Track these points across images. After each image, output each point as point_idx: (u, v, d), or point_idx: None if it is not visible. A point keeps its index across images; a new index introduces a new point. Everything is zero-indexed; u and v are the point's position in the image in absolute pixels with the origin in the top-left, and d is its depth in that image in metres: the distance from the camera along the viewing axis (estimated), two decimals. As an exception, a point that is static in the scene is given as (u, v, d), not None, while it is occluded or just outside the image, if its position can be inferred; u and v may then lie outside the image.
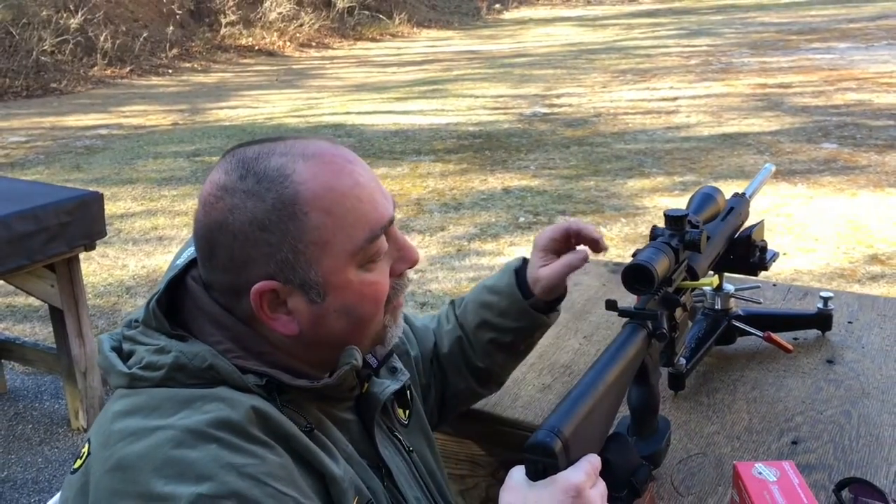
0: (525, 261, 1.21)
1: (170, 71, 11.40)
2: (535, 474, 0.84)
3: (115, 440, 0.79)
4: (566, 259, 1.15)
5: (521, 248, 4.63)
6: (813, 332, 1.50)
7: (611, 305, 1.11)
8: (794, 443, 1.19)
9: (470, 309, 1.23)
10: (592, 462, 0.86)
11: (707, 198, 1.30)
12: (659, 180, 5.77)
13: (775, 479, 1.00)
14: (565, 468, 0.84)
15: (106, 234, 2.88)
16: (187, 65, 11.80)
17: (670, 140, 6.82)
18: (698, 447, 1.19)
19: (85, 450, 0.83)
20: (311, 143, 0.90)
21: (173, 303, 0.91)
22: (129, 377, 0.85)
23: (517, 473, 0.85)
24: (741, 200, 1.44)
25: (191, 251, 0.94)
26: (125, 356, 0.88)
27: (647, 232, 5.45)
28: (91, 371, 2.92)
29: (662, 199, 5.33)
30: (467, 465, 1.34)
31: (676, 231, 1.15)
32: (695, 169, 5.97)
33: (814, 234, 4.65)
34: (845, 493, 1.06)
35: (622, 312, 1.08)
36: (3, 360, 3.33)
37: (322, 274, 0.87)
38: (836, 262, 4.28)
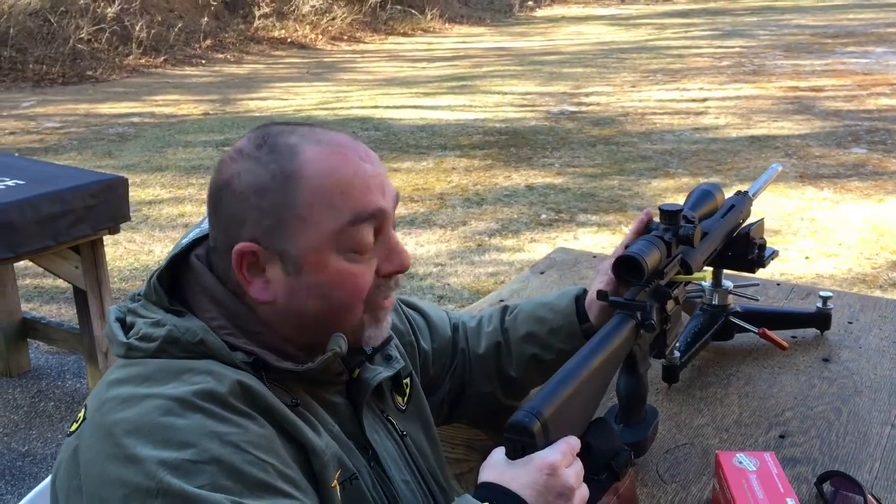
0: (585, 291, 1.24)
1: (203, 61, 11.53)
2: (514, 453, 0.88)
3: (107, 406, 0.83)
4: None
5: (541, 244, 4.65)
6: (812, 331, 1.51)
7: (602, 296, 1.14)
8: (782, 437, 1.20)
9: (520, 319, 1.25)
10: (570, 443, 0.89)
11: (705, 194, 1.32)
12: (683, 181, 5.75)
13: (754, 469, 1.03)
14: (543, 448, 0.87)
15: (130, 218, 2.95)
16: (220, 56, 11.92)
17: (697, 141, 6.79)
18: (686, 438, 1.22)
19: (81, 414, 0.87)
20: (331, 133, 0.96)
21: (178, 279, 0.95)
22: (126, 347, 0.89)
23: (498, 453, 0.89)
24: (743, 199, 1.45)
25: (197, 231, 0.99)
26: (128, 327, 0.92)
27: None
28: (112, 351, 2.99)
29: (686, 199, 5.31)
30: (463, 449, 1.37)
31: (671, 225, 1.17)
32: (720, 171, 5.94)
33: (838, 238, 4.62)
34: (826, 486, 1.08)
35: (612, 303, 1.11)
36: (28, 339, 3.42)
37: (300, 248, 0.91)
38: (859, 268, 4.25)
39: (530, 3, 18.26)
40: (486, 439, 1.38)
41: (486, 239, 4.80)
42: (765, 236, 1.43)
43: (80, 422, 0.87)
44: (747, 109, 7.86)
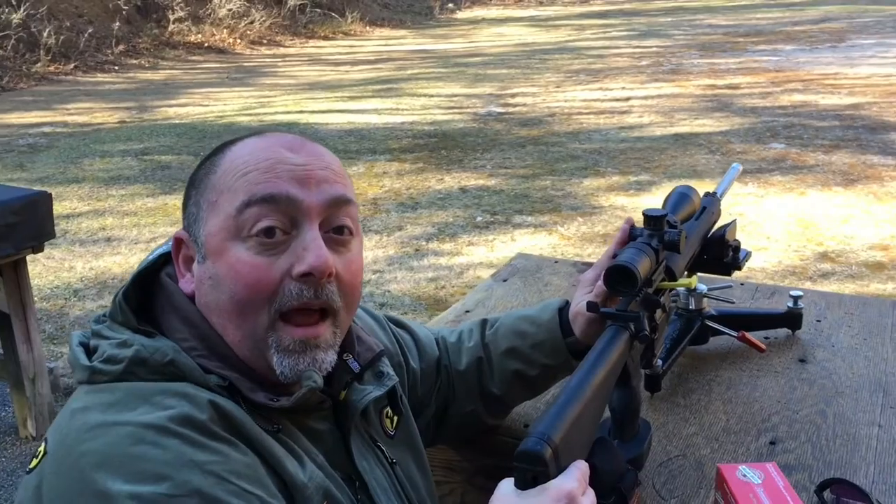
0: (567, 303, 1.18)
1: (116, 67, 11.13)
2: (525, 483, 0.81)
3: (71, 437, 0.75)
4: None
5: (480, 247, 4.62)
6: (783, 331, 1.50)
7: (592, 307, 1.09)
8: (773, 443, 1.18)
9: (502, 333, 1.19)
10: (582, 469, 0.84)
11: (683, 197, 1.28)
12: (614, 179, 5.81)
13: (760, 482, 1.00)
14: (556, 476, 0.82)
15: (55, 235, 2.78)
16: (134, 61, 11.54)
17: (624, 140, 6.88)
18: (678, 449, 1.18)
19: (41, 449, 0.78)
20: (281, 133, 0.92)
21: (146, 299, 0.88)
22: (90, 371, 0.81)
23: (506, 485, 0.82)
24: (713, 200, 1.43)
25: (163, 248, 0.92)
26: (91, 351, 0.85)
27: (605, 231, 5.44)
28: (40, 377, 2.82)
29: (618, 198, 5.37)
30: (442, 471, 1.30)
31: (655, 231, 1.13)
32: (649, 168, 6.03)
33: (766, 232, 4.73)
34: (827, 494, 1.05)
35: (604, 314, 1.06)
36: (-56, 367, 3.19)
37: (206, 234, 0.86)
38: (788, 260, 4.36)
39: (450, 5, 18.30)
40: (465, 461, 1.33)
41: (424, 244, 4.74)
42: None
43: (40, 457, 0.78)
44: (669, 108, 8.03)
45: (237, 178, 0.85)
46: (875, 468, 1.12)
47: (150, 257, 0.91)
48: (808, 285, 4.00)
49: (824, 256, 4.39)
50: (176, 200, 5.53)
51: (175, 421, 0.74)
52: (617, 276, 1.05)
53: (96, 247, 4.77)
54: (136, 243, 4.80)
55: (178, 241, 0.90)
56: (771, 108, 7.86)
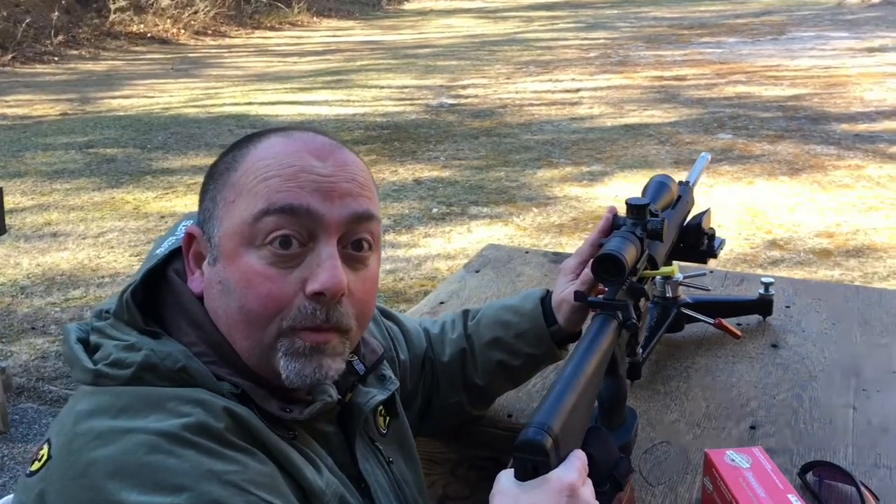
0: (549, 292, 1.17)
1: (56, 58, 10.81)
2: (525, 474, 0.81)
3: (79, 443, 0.71)
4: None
5: (437, 239, 4.61)
6: (754, 317, 1.53)
7: (580, 297, 1.09)
8: (753, 428, 1.20)
9: (484, 324, 1.17)
10: (582, 459, 0.84)
11: (662, 186, 1.29)
12: (567, 170, 5.86)
13: (749, 466, 1.01)
14: (556, 465, 0.82)
15: (6, 230, 2.69)
16: (74, 52, 11.23)
17: (576, 131, 6.94)
18: (661, 436, 1.19)
19: (44, 452, 0.74)
20: (311, 134, 0.86)
21: (150, 296, 0.84)
22: (94, 374, 0.77)
23: (506, 477, 0.81)
24: (686, 189, 1.44)
25: (171, 241, 0.87)
26: (91, 349, 0.80)
27: (560, 221, 5.46)
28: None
29: (572, 188, 5.41)
30: (425, 463, 1.28)
31: (639, 220, 1.14)
32: (601, 159, 6.09)
33: (716, 221, 4.80)
34: (810, 476, 1.07)
35: (593, 304, 1.06)
36: None
37: (220, 235, 0.82)
38: (740, 248, 4.45)
39: (397, -5, 18.22)
40: (448, 452, 1.32)
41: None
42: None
43: (43, 461, 0.73)
44: (618, 99, 8.12)
45: (258, 182, 0.81)
46: (853, 449, 1.14)
47: (159, 252, 0.86)
48: (759, 272, 4.09)
49: (773, 244, 4.49)
50: (123, 194, 5.41)
51: (191, 429, 0.71)
52: (605, 265, 1.05)
53: (42, 242, 4.64)
54: (83, 238, 4.67)
55: (189, 236, 0.85)
56: (717, 99, 8.00)
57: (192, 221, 0.89)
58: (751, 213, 4.96)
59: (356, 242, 0.84)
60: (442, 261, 4.31)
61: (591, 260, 1.08)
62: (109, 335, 0.80)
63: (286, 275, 0.80)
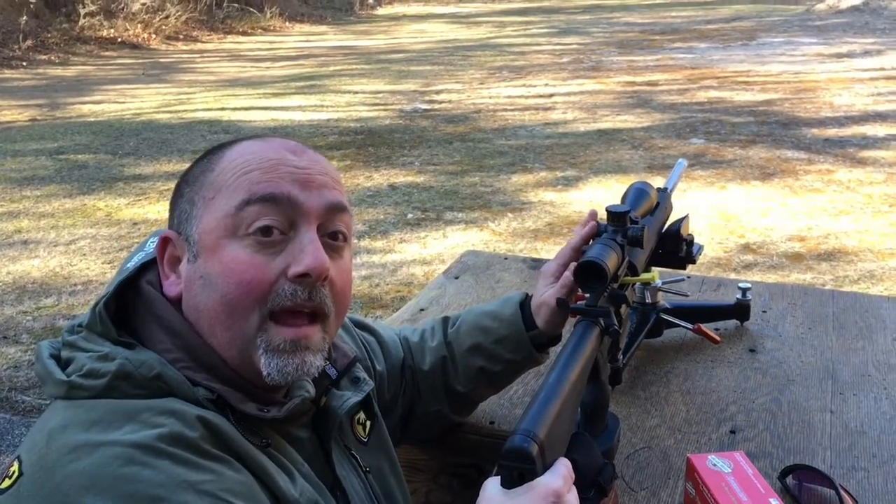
0: (528, 296, 1.18)
1: (24, 63, 10.67)
2: (512, 481, 0.81)
3: (51, 458, 0.70)
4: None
5: (412, 244, 4.61)
6: (731, 322, 1.54)
7: (562, 304, 1.10)
8: (733, 432, 1.21)
9: (464, 331, 1.18)
10: (567, 465, 0.84)
11: (641, 193, 1.30)
12: (542, 175, 5.88)
13: (730, 471, 1.02)
14: (542, 472, 0.82)
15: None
16: (43, 57, 11.09)
17: (549, 136, 6.97)
18: (643, 441, 1.20)
19: (14, 468, 0.73)
20: (282, 138, 0.91)
21: (122, 308, 0.84)
22: (68, 386, 0.77)
23: (492, 485, 0.81)
24: (664, 195, 1.46)
25: (141, 255, 0.87)
26: (63, 364, 0.80)
27: (535, 226, 5.47)
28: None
29: (546, 193, 5.43)
30: (407, 471, 1.28)
31: (619, 227, 1.15)
32: (575, 164, 6.12)
33: (689, 225, 4.86)
34: (790, 480, 1.09)
35: (575, 310, 1.07)
36: None
37: (200, 231, 0.84)
38: (713, 253, 4.49)
39: (371, 1, 18.20)
40: (430, 460, 1.32)
41: (356, 242, 4.70)
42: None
43: (14, 478, 0.72)
44: (591, 104, 8.16)
45: (238, 177, 0.83)
46: (831, 453, 1.16)
47: (130, 265, 0.87)
48: (732, 276, 4.13)
49: (746, 248, 4.54)
50: (95, 200, 5.34)
51: (165, 440, 0.71)
52: (588, 272, 1.06)
53: (12, 250, 4.56)
54: (55, 245, 4.61)
55: (164, 241, 0.86)
56: (689, 104, 8.08)
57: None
58: (724, 218, 5.01)
59: (333, 233, 0.87)
60: (418, 266, 4.30)
61: (573, 265, 1.08)
62: (82, 347, 0.80)
63: (269, 261, 0.82)
